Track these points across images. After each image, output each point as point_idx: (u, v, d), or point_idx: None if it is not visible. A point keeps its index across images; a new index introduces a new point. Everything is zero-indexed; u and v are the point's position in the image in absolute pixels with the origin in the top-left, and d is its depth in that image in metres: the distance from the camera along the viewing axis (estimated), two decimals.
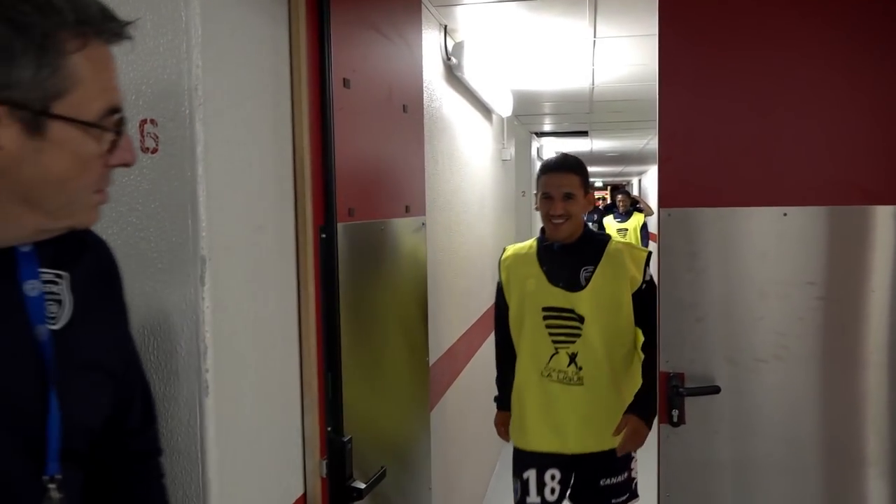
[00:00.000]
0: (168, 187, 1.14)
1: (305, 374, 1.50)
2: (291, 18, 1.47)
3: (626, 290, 2.23)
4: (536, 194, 2.30)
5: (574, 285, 2.24)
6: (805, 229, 1.95)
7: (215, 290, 1.16)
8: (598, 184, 18.10)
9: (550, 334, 2.25)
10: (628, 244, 2.38)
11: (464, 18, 3.08)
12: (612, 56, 3.86)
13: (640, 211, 8.62)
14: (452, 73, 3.28)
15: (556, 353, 2.25)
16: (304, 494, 1.50)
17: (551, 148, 9.63)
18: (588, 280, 2.23)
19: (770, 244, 1.96)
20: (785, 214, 1.95)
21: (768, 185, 1.96)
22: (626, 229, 8.32)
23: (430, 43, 2.86)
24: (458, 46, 3.19)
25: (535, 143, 8.33)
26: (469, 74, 3.31)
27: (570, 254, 2.28)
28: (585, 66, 4.11)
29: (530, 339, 2.30)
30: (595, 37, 3.39)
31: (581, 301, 2.23)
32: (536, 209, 2.31)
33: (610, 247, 2.27)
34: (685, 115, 1.98)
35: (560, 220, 2.22)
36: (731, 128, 1.96)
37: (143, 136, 1.14)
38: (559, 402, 2.26)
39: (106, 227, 1.15)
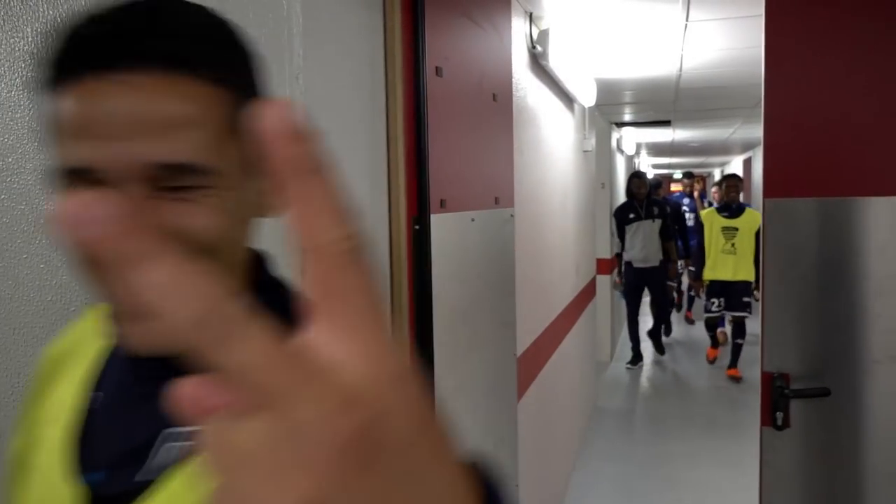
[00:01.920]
0: None
1: None
2: (386, 6, 1.45)
3: None
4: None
5: (118, 477, 0.52)
6: None
7: None
8: (677, 175, 17.57)
9: None
10: None
11: (549, 5, 3.00)
12: (703, 40, 3.70)
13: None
14: (537, 62, 3.21)
15: None
16: None
17: (631, 139, 9.37)
18: (159, 471, 0.51)
19: (889, 237, 1.83)
20: None
21: (886, 173, 1.82)
22: (737, 229, 5.65)
23: (516, 31, 2.81)
24: (544, 34, 3.12)
25: (615, 134, 8.13)
26: (554, 63, 3.23)
27: (152, 378, 0.51)
28: (674, 52, 3.96)
29: None
30: (687, 20, 3.25)
31: None
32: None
33: None
34: (792, 98, 1.86)
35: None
36: (844, 110, 1.83)
37: None
38: None
39: None
